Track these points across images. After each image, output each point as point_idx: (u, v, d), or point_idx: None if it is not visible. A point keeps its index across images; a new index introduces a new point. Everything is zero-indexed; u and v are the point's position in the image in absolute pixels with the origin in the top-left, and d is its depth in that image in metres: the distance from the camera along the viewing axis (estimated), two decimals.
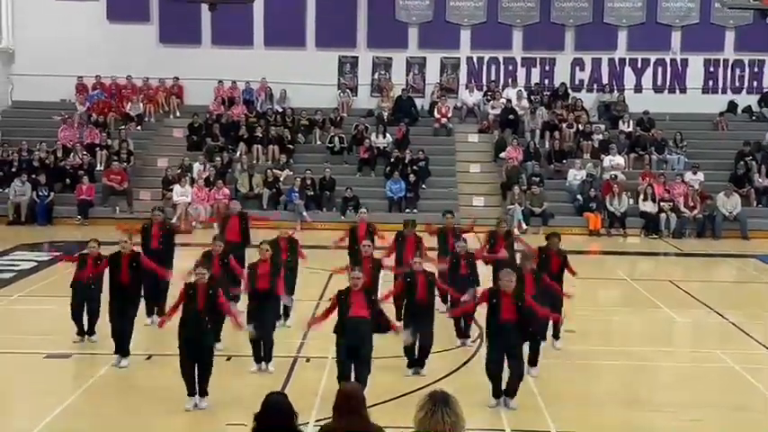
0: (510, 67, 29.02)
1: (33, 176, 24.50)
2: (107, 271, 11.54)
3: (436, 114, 27.92)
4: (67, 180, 25.02)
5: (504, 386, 9.76)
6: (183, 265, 12.63)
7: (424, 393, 5.54)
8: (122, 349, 11.20)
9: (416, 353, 10.91)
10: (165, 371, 11.31)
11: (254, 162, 25.97)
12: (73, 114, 27.44)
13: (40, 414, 9.56)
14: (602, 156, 25.99)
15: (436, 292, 11.36)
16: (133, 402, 10.10)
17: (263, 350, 11.03)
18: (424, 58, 29.09)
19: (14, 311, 14.55)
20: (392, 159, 25.83)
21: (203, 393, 9.83)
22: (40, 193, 24.21)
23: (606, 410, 10.00)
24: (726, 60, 28.95)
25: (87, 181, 24.58)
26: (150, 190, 25.39)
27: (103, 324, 12.98)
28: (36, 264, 18.32)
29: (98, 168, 25.68)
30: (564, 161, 26.14)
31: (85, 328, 12.28)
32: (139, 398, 10.28)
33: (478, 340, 12.08)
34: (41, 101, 28.18)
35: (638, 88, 28.97)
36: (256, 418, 5.83)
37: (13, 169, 24.98)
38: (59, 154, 25.77)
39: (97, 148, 26.26)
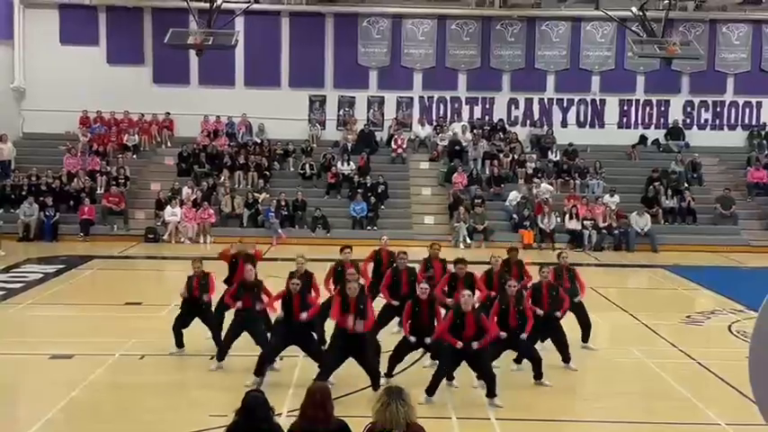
0: (456, 105, 29.21)
1: (41, 199, 24.08)
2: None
3: (393, 145, 27.98)
4: (71, 202, 24.62)
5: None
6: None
7: (381, 388, 5.58)
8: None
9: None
10: (155, 369, 11.18)
11: (236, 186, 25.83)
12: (76, 144, 27.02)
13: (43, 408, 9.39)
14: (534, 181, 26.25)
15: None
16: (126, 397, 9.95)
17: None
18: (383, 97, 29.15)
19: (24, 317, 14.26)
20: (355, 184, 25.85)
21: None
22: (47, 213, 23.80)
23: (535, 398, 10.04)
24: (637, 100, 29.38)
25: (89, 202, 24.24)
26: (144, 210, 25.11)
27: (106, 332, 12.77)
28: (43, 275, 17.97)
29: (98, 191, 25.31)
30: (502, 185, 26.33)
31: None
32: (131, 393, 10.11)
33: None
34: (49, 132, 27.66)
35: (563, 124, 29.28)
36: (237, 413, 5.74)
37: (23, 192, 24.54)
38: (64, 179, 25.35)
39: (97, 174, 25.90)
